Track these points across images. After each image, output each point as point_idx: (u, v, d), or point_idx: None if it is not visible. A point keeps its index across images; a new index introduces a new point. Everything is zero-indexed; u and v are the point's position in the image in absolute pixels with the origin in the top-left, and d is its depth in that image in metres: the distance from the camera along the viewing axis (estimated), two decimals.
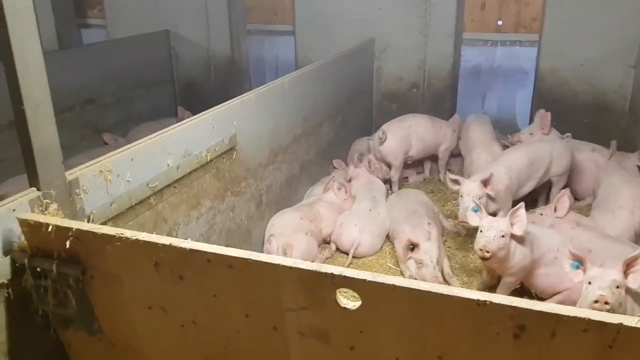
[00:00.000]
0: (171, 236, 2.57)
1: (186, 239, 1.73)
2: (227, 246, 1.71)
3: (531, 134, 4.59)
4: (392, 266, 3.77)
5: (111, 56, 5.84)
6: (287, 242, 3.44)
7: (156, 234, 1.88)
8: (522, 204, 3.06)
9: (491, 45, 5.72)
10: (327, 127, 4.82)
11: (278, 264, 1.61)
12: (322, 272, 1.55)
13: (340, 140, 5.12)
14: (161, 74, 6.53)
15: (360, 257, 3.88)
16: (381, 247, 3.99)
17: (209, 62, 6.63)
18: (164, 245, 1.70)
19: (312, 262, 1.68)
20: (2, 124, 4.52)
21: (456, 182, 3.70)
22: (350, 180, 4.52)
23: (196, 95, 6.65)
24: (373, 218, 4.00)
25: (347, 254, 3.88)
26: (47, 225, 1.80)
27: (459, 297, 1.43)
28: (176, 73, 6.72)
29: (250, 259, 1.64)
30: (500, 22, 5.61)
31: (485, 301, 1.41)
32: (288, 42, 6.41)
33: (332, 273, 1.54)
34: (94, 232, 1.76)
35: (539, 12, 5.42)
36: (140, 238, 1.72)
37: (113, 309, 1.94)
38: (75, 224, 1.79)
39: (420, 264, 3.36)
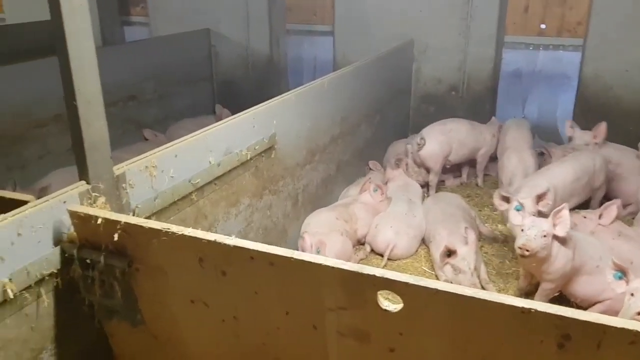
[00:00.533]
0: (210, 232, 2.61)
1: (230, 235, 1.76)
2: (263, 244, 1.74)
3: (587, 144, 4.43)
4: (427, 270, 3.75)
5: (153, 54, 5.95)
6: (320, 239, 3.44)
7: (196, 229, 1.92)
8: (566, 204, 3.01)
9: (533, 49, 5.62)
10: (364, 128, 4.82)
11: (320, 264, 1.62)
12: (364, 274, 1.56)
13: (376, 141, 5.12)
14: (201, 72, 6.63)
15: (395, 260, 3.87)
16: (416, 250, 3.97)
17: (247, 61, 6.70)
18: (208, 241, 1.73)
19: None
20: (47, 118, 4.67)
21: (506, 199, 3.40)
22: (386, 182, 4.51)
23: (234, 93, 6.73)
24: (409, 220, 3.98)
25: (381, 255, 3.87)
26: (97, 217, 1.85)
27: (503, 304, 1.42)
28: (215, 71, 6.80)
29: (292, 258, 1.66)
30: (543, 26, 5.51)
31: (530, 309, 1.40)
32: (326, 43, 6.44)
33: (374, 275, 1.55)
34: (141, 226, 1.80)
35: (584, 16, 5.31)
36: (186, 233, 1.75)
37: (156, 302, 1.99)
38: (123, 218, 1.84)
39: (458, 270, 3.33)
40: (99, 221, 1.85)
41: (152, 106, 5.89)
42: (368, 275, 1.56)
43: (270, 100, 3.38)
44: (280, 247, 1.71)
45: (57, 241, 1.96)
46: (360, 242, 4.07)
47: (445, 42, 5.63)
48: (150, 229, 1.79)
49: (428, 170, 4.72)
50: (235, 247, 1.71)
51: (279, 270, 1.70)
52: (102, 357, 2.21)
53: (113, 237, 1.85)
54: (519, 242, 2.95)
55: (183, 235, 1.76)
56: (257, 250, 1.69)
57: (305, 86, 3.81)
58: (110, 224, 1.84)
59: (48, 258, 1.92)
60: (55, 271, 1.95)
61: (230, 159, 2.95)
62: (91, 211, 1.89)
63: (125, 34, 7.57)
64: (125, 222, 1.82)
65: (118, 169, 2.21)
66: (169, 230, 1.77)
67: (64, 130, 4.65)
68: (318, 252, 3.35)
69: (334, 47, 6.30)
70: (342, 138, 4.40)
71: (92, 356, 2.19)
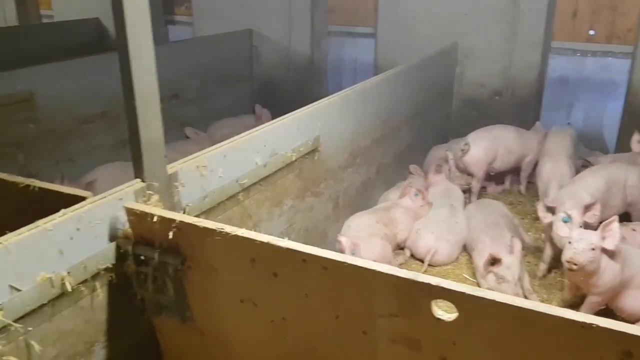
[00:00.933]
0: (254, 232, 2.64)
1: (283, 238, 1.78)
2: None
3: None
4: (469, 277, 3.71)
5: (196, 53, 6.03)
6: (354, 241, 3.39)
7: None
8: (616, 217, 2.93)
9: (581, 56, 5.49)
10: (405, 131, 4.80)
11: (373, 270, 1.62)
12: (418, 282, 1.55)
13: (417, 144, 5.08)
14: (242, 72, 6.68)
15: (436, 266, 3.84)
16: (457, 257, 3.92)
17: (288, 62, 6.72)
18: (261, 242, 1.75)
19: None
20: (94, 115, 4.79)
21: (551, 210, 3.35)
22: (428, 187, 4.47)
23: (274, 93, 6.76)
24: (450, 226, 3.94)
25: (421, 261, 3.84)
26: (152, 215, 1.89)
27: (562, 317, 1.40)
28: (256, 71, 6.85)
29: (345, 262, 1.66)
30: (592, 32, 5.38)
31: (592, 324, 1.37)
32: (368, 44, 6.41)
33: (429, 283, 1.54)
34: (195, 225, 1.83)
35: (635, 22, 5.17)
36: (239, 234, 1.77)
37: (206, 299, 2.02)
38: (178, 216, 1.87)
39: (501, 279, 3.28)
40: (155, 219, 1.89)
41: (194, 105, 5.96)
42: (423, 283, 1.55)
43: (315, 103, 3.39)
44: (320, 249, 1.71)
45: (113, 237, 2.01)
46: (399, 247, 4.05)
47: (490, 46, 5.55)
48: (205, 228, 1.82)
49: (471, 176, 4.66)
50: (288, 250, 1.72)
51: (331, 274, 1.70)
52: (152, 353, 2.25)
53: (168, 235, 1.88)
54: (566, 256, 2.88)
55: (236, 236, 1.78)
56: (310, 254, 1.70)
57: (349, 88, 3.81)
58: (165, 222, 1.88)
59: (104, 253, 1.97)
60: (110, 266, 2.00)
61: (276, 160, 2.97)
62: (147, 209, 1.93)
63: (170, 34, 7.68)
64: (180, 221, 1.85)
65: (171, 168, 2.26)
66: (222, 230, 1.79)
67: (110, 127, 4.80)
68: (353, 254, 3.32)
69: (375, 49, 6.28)
70: (383, 141, 4.39)
71: (142, 351, 2.24)
